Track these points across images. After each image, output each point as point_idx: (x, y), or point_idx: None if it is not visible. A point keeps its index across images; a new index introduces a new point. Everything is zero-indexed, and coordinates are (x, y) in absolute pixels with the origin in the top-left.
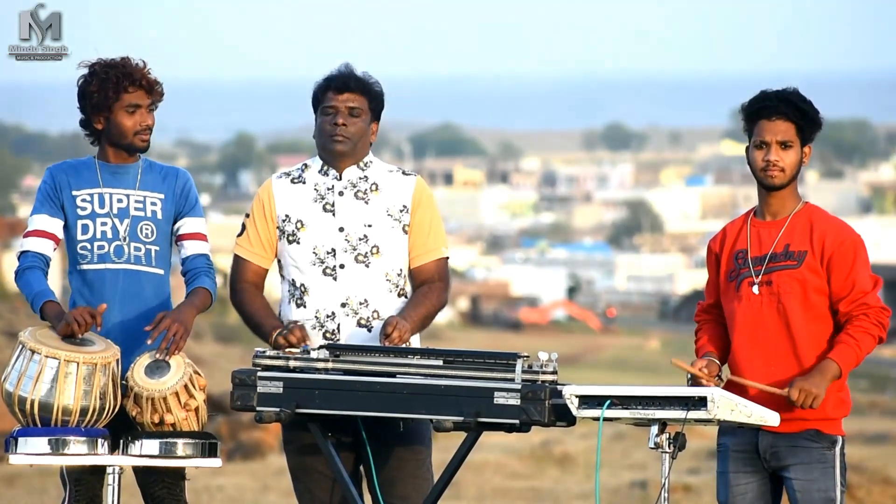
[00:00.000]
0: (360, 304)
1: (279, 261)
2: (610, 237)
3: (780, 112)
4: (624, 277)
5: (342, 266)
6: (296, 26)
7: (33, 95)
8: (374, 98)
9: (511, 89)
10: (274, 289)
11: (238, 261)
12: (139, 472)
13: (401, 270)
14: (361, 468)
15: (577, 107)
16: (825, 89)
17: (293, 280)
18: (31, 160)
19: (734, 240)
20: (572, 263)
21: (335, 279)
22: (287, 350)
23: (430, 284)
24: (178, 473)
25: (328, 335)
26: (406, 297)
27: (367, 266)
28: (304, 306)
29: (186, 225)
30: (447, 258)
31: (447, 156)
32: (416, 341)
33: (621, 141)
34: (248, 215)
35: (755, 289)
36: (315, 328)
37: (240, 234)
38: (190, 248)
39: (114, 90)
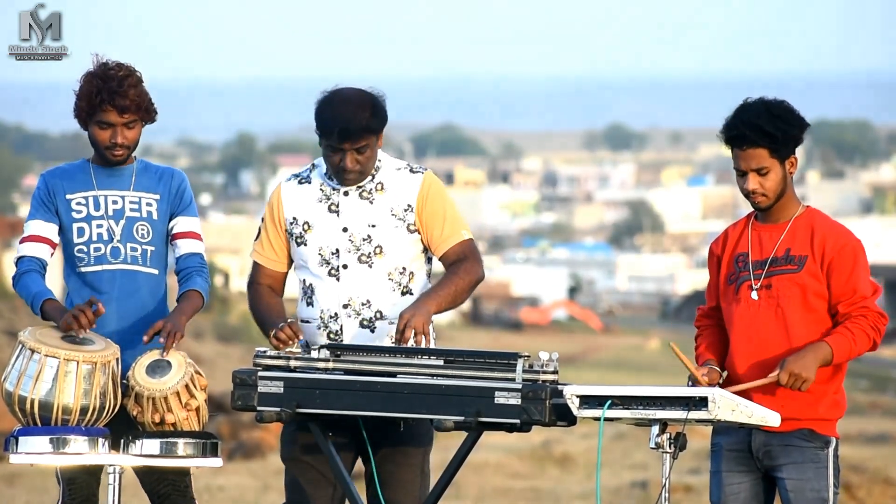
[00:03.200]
0: (363, 304)
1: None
2: (611, 237)
3: (749, 140)
4: (625, 277)
5: (345, 266)
6: (297, 26)
7: (34, 95)
8: (379, 129)
9: (512, 89)
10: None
11: (254, 265)
12: (141, 474)
13: (404, 269)
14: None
15: (579, 107)
16: (826, 90)
17: (304, 280)
18: (32, 160)
19: (735, 242)
20: (573, 263)
21: (338, 280)
22: (288, 350)
23: (457, 263)
24: (182, 470)
25: (332, 336)
26: (411, 294)
27: (369, 266)
28: (313, 306)
29: (180, 224)
30: (470, 239)
31: (448, 156)
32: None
33: (622, 141)
34: (263, 219)
35: (754, 294)
36: (320, 328)
37: (256, 239)
38: (183, 246)
39: (89, 104)
